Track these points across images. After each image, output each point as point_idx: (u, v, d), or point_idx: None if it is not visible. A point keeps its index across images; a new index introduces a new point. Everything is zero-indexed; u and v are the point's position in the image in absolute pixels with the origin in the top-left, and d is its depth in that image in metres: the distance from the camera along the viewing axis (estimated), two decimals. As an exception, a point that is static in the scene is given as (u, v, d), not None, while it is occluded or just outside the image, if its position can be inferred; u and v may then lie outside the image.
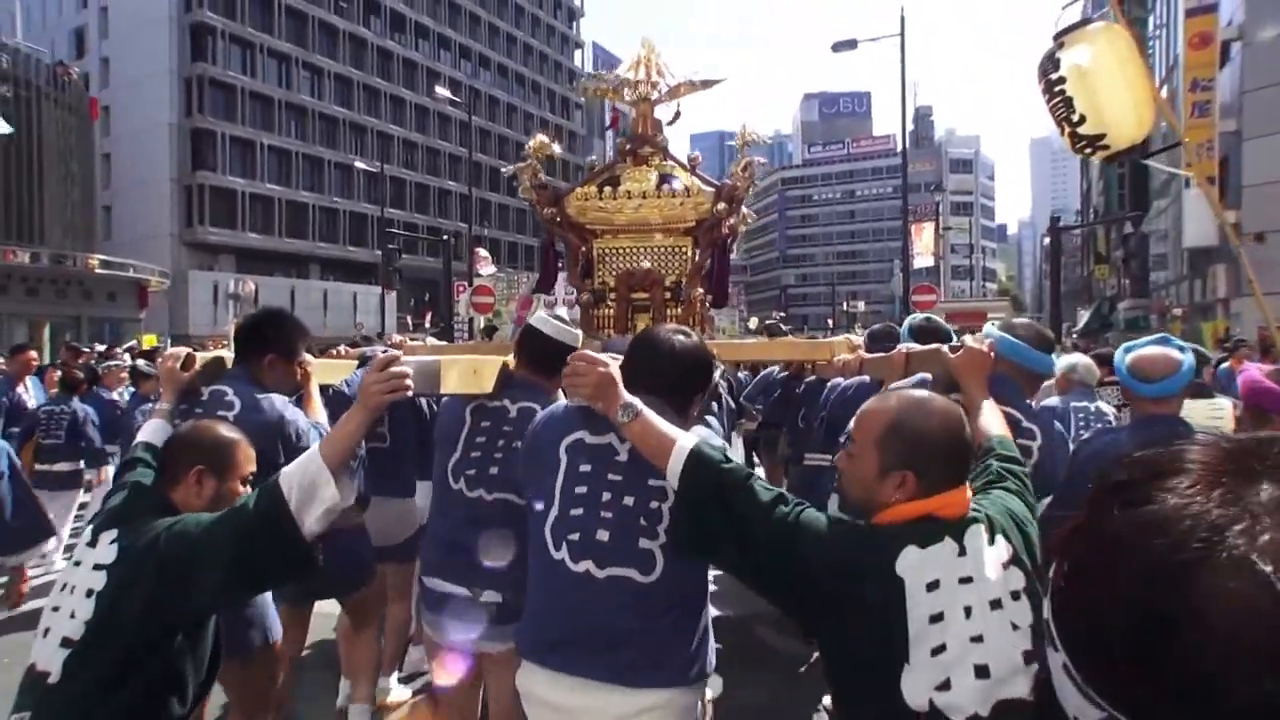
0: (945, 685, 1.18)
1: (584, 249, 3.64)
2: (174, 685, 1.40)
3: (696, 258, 3.60)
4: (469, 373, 1.89)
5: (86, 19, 37.43)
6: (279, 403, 2.13)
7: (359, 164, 34.85)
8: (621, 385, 1.48)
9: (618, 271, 3.70)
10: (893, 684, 1.18)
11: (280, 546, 1.35)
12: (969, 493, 1.32)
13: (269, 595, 2.18)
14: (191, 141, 34.94)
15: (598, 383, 1.47)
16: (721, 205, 3.40)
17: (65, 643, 1.35)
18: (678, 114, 4.08)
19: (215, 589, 1.38)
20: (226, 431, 1.64)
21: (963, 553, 1.22)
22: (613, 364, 1.50)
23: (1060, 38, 3.53)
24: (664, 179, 3.65)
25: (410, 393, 1.49)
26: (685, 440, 1.39)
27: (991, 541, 1.24)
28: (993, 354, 1.87)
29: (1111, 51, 3.41)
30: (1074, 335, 28.54)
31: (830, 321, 63.35)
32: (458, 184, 45.09)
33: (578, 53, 63.87)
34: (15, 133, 19.78)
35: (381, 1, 43.16)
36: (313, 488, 1.36)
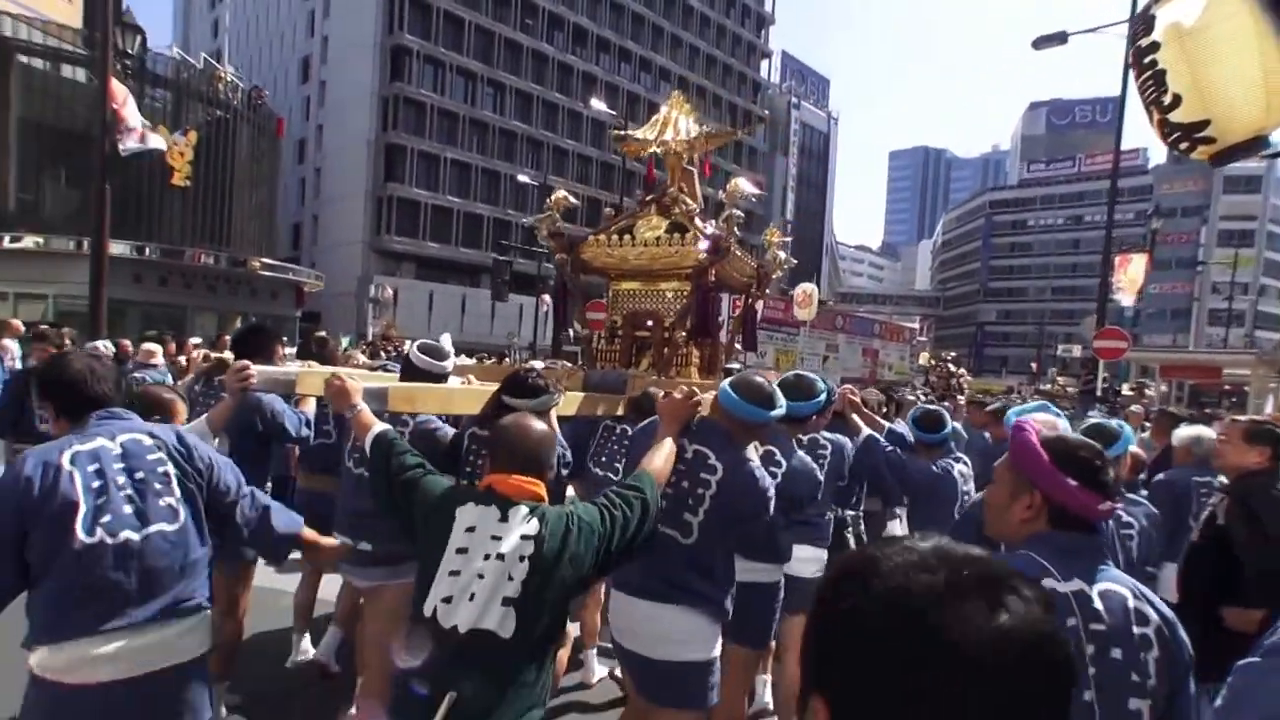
0: (448, 600, 1.78)
1: (593, 294, 4.33)
2: None
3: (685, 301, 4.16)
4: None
5: (311, 48, 44.36)
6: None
7: (522, 177, 38.06)
8: (358, 395, 2.33)
9: (625, 311, 4.36)
10: (425, 588, 1.82)
11: None
12: (537, 488, 1.92)
13: None
14: (385, 156, 40.09)
15: (335, 392, 2.35)
16: (704, 255, 3.95)
17: None
18: (704, 167, 4.68)
19: None
20: (169, 394, 2.72)
21: (504, 519, 1.83)
22: (349, 379, 2.37)
23: None
24: (675, 227, 4.26)
25: (254, 387, 2.48)
26: (377, 427, 2.22)
27: (527, 521, 1.83)
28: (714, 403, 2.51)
29: (1233, 4, 2.50)
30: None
31: (1034, 365, 58.38)
32: (631, 200, 47.56)
33: (764, 63, 64.72)
34: (207, 148, 24.27)
35: (565, 17, 46.83)
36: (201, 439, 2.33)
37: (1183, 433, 4.28)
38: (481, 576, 1.77)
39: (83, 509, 1.89)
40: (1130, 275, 20.86)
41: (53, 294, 21.21)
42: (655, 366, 4.15)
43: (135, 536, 1.93)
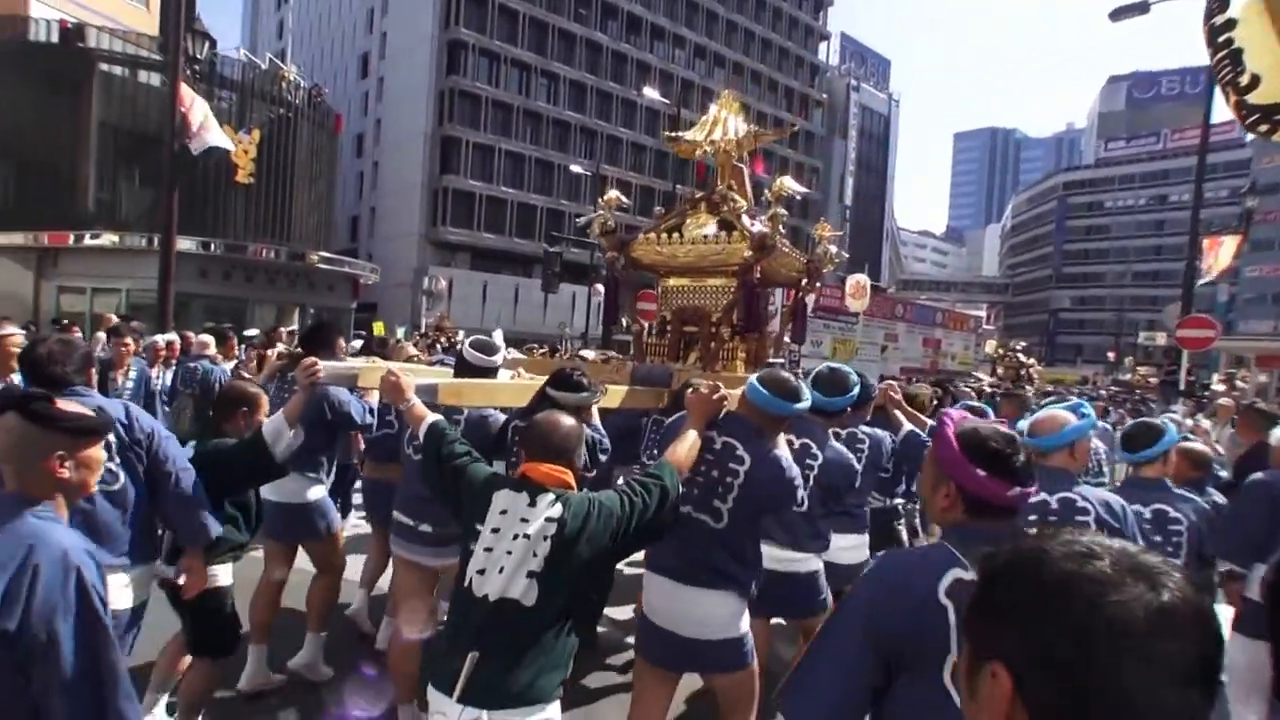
0: (481, 572, 2.09)
1: (643, 287, 4.50)
2: (241, 522, 2.90)
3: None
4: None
5: (371, 45, 45.60)
6: None
7: (575, 167, 38.36)
8: (411, 390, 2.59)
9: (674, 306, 4.53)
10: (465, 563, 2.13)
11: (260, 458, 2.70)
12: (565, 476, 2.18)
13: (329, 501, 3.79)
14: (441, 148, 41.01)
15: (389, 387, 2.61)
16: (749, 252, 4.08)
17: None
18: (754, 164, 4.80)
19: (234, 477, 2.75)
20: (253, 388, 3.06)
21: (532, 504, 2.11)
22: (403, 374, 2.64)
23: None
24: (723, 225, 4.40)
25: (321, 381, 2.80)
26: (430, 418, 2.49)
27: (553, 505, 2.09)
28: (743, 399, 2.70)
29: None
30: None
31: (1112, 355, 56.11)
32: (685, 187, 47.37)
33: (822, 45, 63.57)
34: (269, 146, 25.31)
35: (619, 6, 47.00)
36: (278, 432, 2.70)
37: (1276, 434, 4.17)
38: (510, 553, 2.06)
39: None
40: (1221, 258, 19.33)
41: (126, 288, 22.42)
42: (702, 361, 4.31)
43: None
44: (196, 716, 3.03)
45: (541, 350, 11.02)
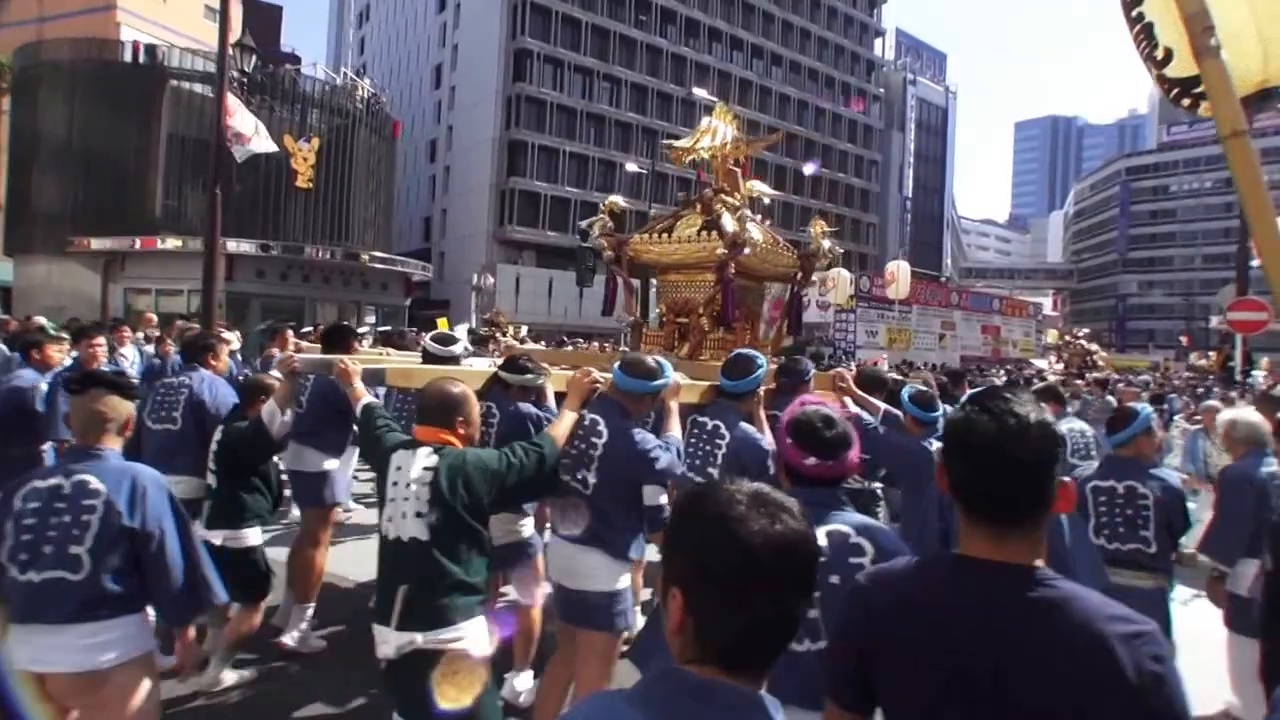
0: (390, 519, 2.40)
1: (638, 283, 4.78)
2: (265, 492, 3.40)
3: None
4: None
5: (443, 57, 46.86)
6: None
7: (630, 165, 38.49)
8: (357, 376, 2.88)
9: (669, 301, 4.79)
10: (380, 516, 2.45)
11: (262, 437, 3.14)
12: (445, 435, 2.46)
13: (344, 482, 4.32)
14: (508, 151, 41.89)
15: (339, 373, 2.91)
16: (722, 250, 4.30)
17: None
18: (744, 169, 5.01)
19: (249, 451, 3.22)
20: (270, 380, 3.53)
21: (414, 456, 2.41)
22: (351, 363, 2.95)
23: None
24: (709, 225, 4.61)
25: (299, 370, 3.19)
26: (365, 399, 2.82)
27: (429, 456, 2.39)
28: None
29: None
30: None
31: (1183, 339, 53.18)
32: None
33: (878, 42, 62.12)
34: (329, 152, 25.85)
35: (677, 10, 47.01)
36: (272, 415, 3.12)
37: (1223, 418, 4.03)
38: (406, 499, 2.37)
39: (147, 407, 3.79)
40: (1277, 237, 18.16)
41: (187, 289, 22.79)
42: (691, 351, 4.56)
43: (157, 426, 3.78)
44: (234, 655, 3.53)
45: (567, 346, 11.46)
